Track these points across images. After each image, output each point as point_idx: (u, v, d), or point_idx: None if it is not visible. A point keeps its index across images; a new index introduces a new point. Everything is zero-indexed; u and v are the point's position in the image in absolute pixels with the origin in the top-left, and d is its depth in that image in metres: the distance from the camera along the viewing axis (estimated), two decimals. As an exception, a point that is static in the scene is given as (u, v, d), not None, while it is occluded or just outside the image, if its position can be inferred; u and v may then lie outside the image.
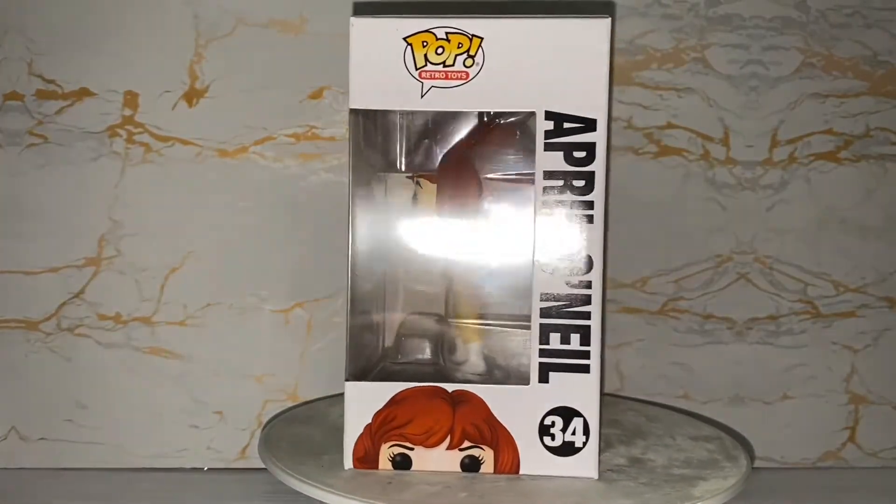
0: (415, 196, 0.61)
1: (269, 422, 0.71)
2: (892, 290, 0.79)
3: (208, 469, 0.76)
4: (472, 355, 0.58)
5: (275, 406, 0.75)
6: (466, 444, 0.53)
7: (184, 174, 0.74)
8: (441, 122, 0.61)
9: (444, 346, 0.60)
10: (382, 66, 0.52)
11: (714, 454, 0.59)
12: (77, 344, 0.74)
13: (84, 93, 0.73)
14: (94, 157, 0.73)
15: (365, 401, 0.53)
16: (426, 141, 0.62)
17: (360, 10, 0.58)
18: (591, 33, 0.50)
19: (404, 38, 0.52)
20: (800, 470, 0.80)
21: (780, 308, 0.79)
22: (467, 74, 0.51)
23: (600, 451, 0.53)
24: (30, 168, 0.73)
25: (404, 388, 0.53)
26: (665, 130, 0.77)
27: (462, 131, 0.60)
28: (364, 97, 0.52)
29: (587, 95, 0.50)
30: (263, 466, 0.58)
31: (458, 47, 0.51)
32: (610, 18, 0.50)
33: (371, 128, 0.58)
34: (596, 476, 0.52)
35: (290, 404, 0.76)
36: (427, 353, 0.60)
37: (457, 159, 0.59)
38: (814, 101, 0.78)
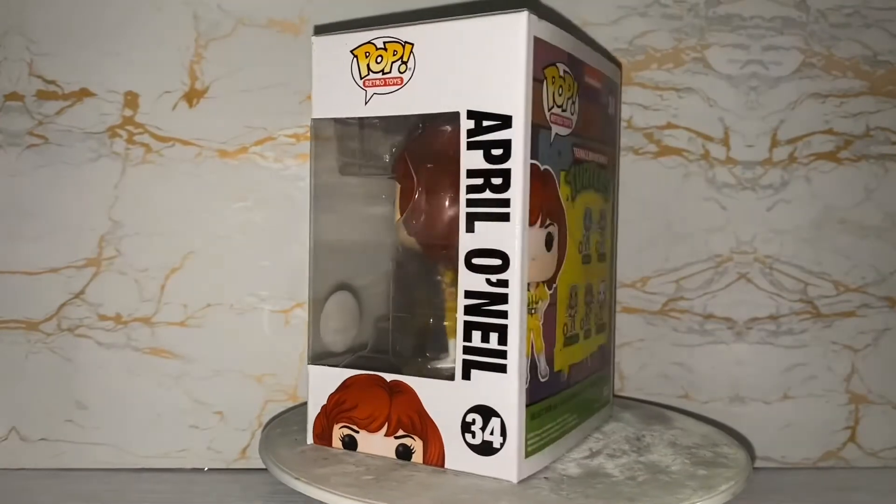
0: (384, 196, 0.63)
1: (269, 422, 0.71)
2: (893, 290, 0.79)
3: (209, 469, 0.76)
4: (450, 350, 0.59)
5: (275, 406, 0.75)
6: (401, 432, 0.55)
7: (184, 175, 0.74)
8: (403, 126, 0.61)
9: (425, 340, 0.60)
10: (336, 77, 0.56)
11: (714, 454, 0.59)
12: (77, 344, 0.74)
13: (84, 93, 0.73)
14: (94, 157, 0.73)
15: (321, 384, 0.58)
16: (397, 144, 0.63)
17: (327, 29, 0.58)
18: (508, 29, 0.49)
19: (351, 51, 0.55)
20: (800, 470, 0.80)
21: (781, 308, 0.79)
22: (402, 80, 0.53)
23: (526, 453, 0.51)
24: (30, 168, 0.73)
25: (352, 374, 0.57)
26: (665, 130, 0.77)
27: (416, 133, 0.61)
28: (322, 107, 0.57)
29: (503, 92, 0.50)
30: (264, 467, 0.58)
31: (394, 55, 0.53)
32: (527, 12, 0.49)
33: (353, 133, 0.61)
34: (515, 479, 0.50)
35: (290, 404, 0.76)
36: (394, 345, 0.61)
37: (399, 159, 0.60)
38: (814, 100, 0.78)
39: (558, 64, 0.53)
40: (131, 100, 0.73)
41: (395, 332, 0.60)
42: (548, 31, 0.51)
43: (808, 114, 0.78)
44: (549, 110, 0.52)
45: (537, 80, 0.50)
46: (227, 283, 0.75)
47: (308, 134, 0.74)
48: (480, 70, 0.50)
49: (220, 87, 0.74)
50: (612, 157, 0.65)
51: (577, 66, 0.56)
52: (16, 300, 0.73)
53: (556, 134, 0.53)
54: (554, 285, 0.54)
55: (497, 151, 0.50)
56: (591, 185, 0.60)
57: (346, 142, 0.61)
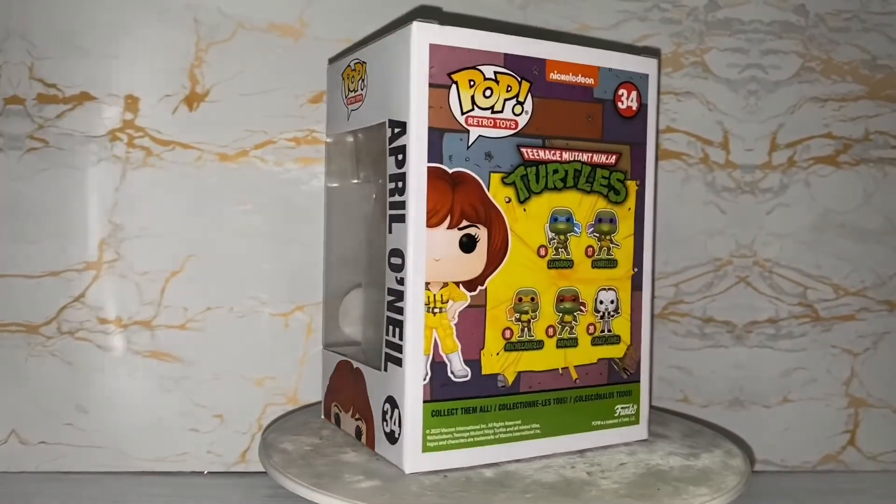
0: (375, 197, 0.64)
1: (269, 425, 0.71)
2: (892, 294, 0.79)
3: (208, 473, 0.76)
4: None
5: (275, 409, 0.75)
6: (357, 415, 0.60)
7: (184, 178, 0.74)
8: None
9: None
10: (333, 97, 0.66)
11: (714, 457, 0.59)
12: (77, 348, 0.74)
13: (85, 97, 0.73)
14: (94, 160, 0.73)
15: (325, 367, 0.67)
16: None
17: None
18: (403, 40, 0.53)
19: (340, 74, 0.64)
20: (800, 473, 0.80)
21: (780, 311, 0.79)
22: (362, 97, 0.59)
23: (425, 448, 0.53)
24: (31, 172, 0.73)
25: (339, 360, 0.64)
26: (664, 134, 0.77)
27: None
28: (328, 124, 0.68)
29: (401, 101, 0.53)
30: (263, 470, 0.58)
31: (357, 74, 0.60)
32: (417, 22, 0.52)
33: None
34: (406, 470, 0.53)
35: (290, 407, 0.76)
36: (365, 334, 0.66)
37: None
38: (813, 104, 0.78)
39: (482, 67, 0.54)
40: (132, 103, 0.73)
41: (367, 323, 0.65)
42: (457, 37, 0.53)
43: (808, 118, 0.78)
44: (467, 113, 0.53)
45: (441, 86, 0.52)
46: (227, 286, 0.75)
47: (308, 138, 0.75)
48: (395, 81, 0.54)
49: (221, 90, 0.74)
50: (619, 154, 0.60)
51: (528, 65, 0.56)
52: (16, 303, 0.73)
53: (481, 136, 0.54)
54: (480, 287, 0.54)
55: (401, 157, 0.53)
56: (563, 186, 0.57)
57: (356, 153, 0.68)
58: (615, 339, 0.61)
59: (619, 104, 0.60)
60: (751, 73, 0.77)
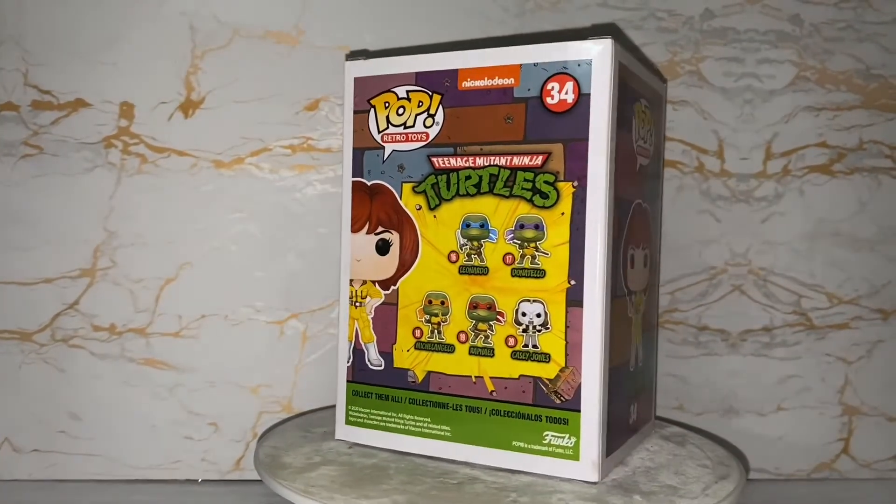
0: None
1: (263, 433, 0.71)
2: (885, 302, 0.80)
3: (203, 481, 0.75)
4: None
5: (270, 417, 0.75)
6: None
7: (179, 185, 0.74)
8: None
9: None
10: None
11: (708, 466, 0.59)
12: (71, 355, 0.73)
13: (80, 103, 0.73)
14: (89, 167, 0.73)
15: None
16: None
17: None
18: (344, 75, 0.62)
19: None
20: (794, 481, 0.80)
21: (774, 320, 0.79)
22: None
23: (347, 420, 0.63)
24: (25, 179, 0.73)
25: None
26: (660, 143, 0.77)
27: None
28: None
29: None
30: (258, 478, 0.58)
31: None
32: (347, 63, 0.58)
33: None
34: (336, 436, 0.62)
35: (285, 415, 0.75)
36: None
37: None
38: (807, 114, 0.78)
39: (395, 89, 0.59)
40: (127, 110, 0.73)
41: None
42: (378, 66, 0.59)
43: (802, 127, 0.78)
44: (383, 132, 0.59)
45: (361, 112, 0.60)
46: (221, 293, 0.74)
47: (304, 145, 0.75)
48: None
49: (217, 97, 0.74)
50: (547, 154, 0.55)
51: (438, 78, 0.58)
52: (9, 311, 0.73)
53: (394, 150, 0.59)
54: (393, 287, 0.59)
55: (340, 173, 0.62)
56: (476, 192, 0.56)
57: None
58: (542, 357, 0.55)
59: (549, 99, 0.55)
60: (746, 82, 0.78)
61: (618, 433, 0.57)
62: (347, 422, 0.61)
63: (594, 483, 0.53)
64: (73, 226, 0.73)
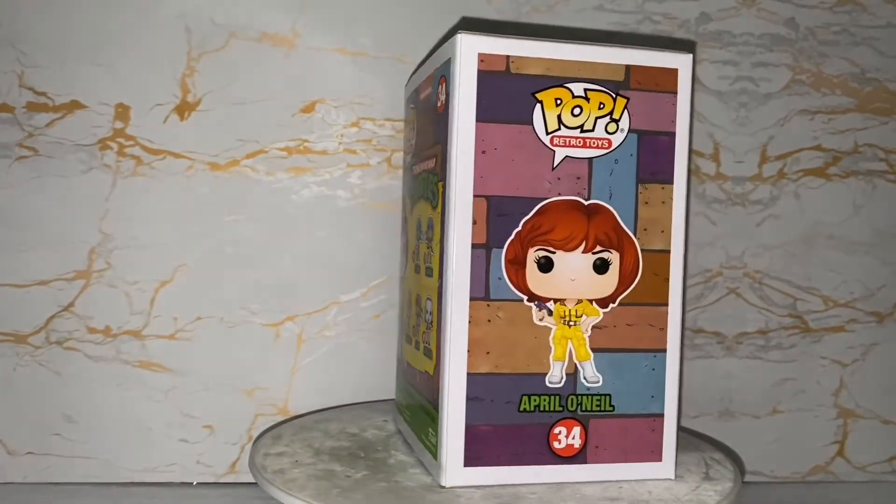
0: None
1: (259, 436, 0.71)
2: (881, 305, 0.80)
3: (198, 483, 0.75)
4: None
5: (265, 420, 0.75)
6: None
7: (175, 187, 0.74)
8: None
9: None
10: None
11: (703, 468, 0.59)
12: (66, 357, 0.73)
13: (75, 105, 0.72)
14: (84, 169, 0.73)
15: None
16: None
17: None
18: None
19: None
20: (789, 484, 0.80)
21: (770, 323, 0.79)
22: None
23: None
24: (20, 180, 0.72)
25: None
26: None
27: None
28: None
29: None
30: (253, 481, 0.57)
31: None
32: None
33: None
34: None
35: (280, 418, 0.75)
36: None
37: None
38: (803, 117, 0.78)
39: (410, 106, 0.62)
40: (122, 112, 0.73)
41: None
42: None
43: (797, 130, 0.78)
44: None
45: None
46: (217, 296, 0.74)
47: (300, 148, 0.75)
48: None
49: (212, 100, 0.74)
50: (435, 156, 0.54)
51: (417, 94, 0.61)
52: (4, 313, 0.73)
53: (404, 163, 0.65)
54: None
55: None
56: (422, 195, 0.58)
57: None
58: (430, 353, 0.55)
59: (438, 102, 0.54)
60: (741, 85, 0.78)
61: (497, 445, 0.52)
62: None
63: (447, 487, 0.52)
64: (69, 228, 0.73)
